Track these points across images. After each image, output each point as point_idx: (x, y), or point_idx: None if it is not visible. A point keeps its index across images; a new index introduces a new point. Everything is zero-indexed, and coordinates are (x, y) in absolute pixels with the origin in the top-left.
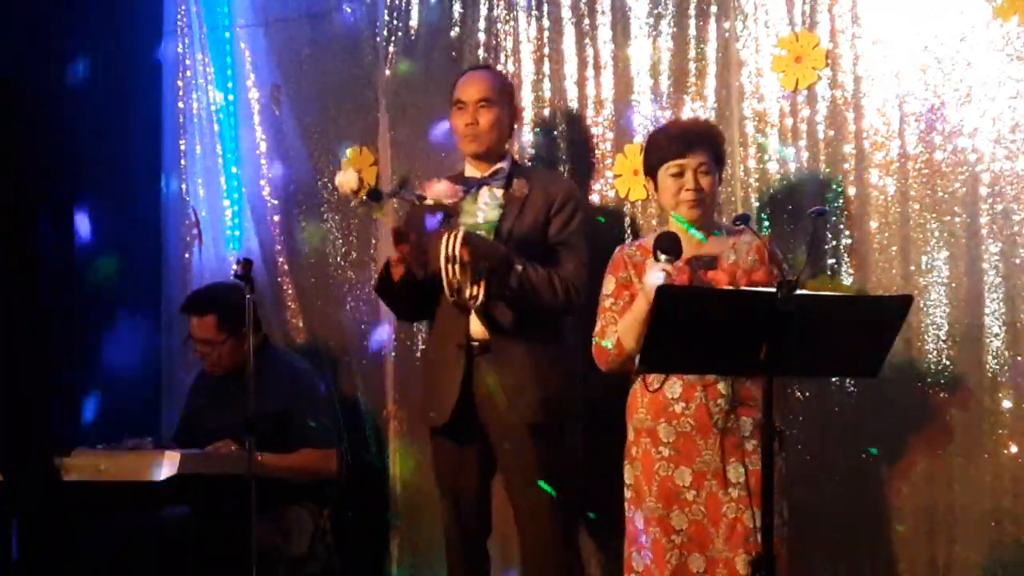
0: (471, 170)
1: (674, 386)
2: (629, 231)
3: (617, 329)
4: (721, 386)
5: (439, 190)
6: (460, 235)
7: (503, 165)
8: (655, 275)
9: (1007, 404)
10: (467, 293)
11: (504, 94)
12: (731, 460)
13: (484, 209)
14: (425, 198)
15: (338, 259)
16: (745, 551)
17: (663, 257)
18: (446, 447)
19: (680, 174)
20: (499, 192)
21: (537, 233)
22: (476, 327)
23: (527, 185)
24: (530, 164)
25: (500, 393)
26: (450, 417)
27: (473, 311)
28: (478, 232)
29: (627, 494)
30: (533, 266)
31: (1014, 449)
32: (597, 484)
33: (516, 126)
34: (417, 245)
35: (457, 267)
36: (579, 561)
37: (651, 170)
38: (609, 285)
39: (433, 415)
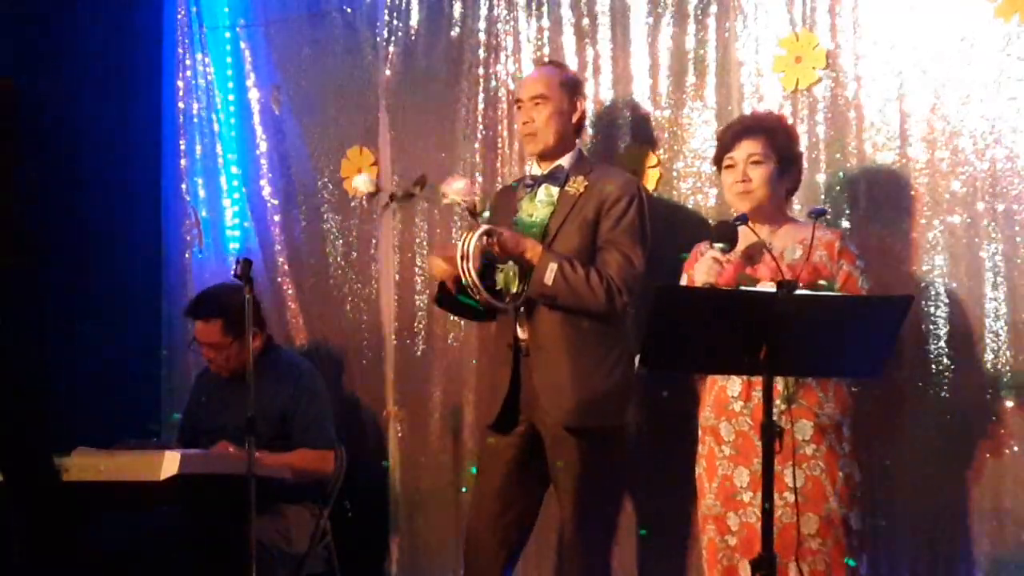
0: (535, 168)
1: (734, 383)
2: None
3: None
4: (779, 385)
5: (457, 188)
6: (476, 233)
7: (563, 163)
8: (704, 263)
9: (1007, 404)
10: (482, 293)
11: (563, 88)
12: (787, 463)
13: (538, 207)
14: (444, 196)
15: (338, 259)
16: (801, 558)
17: (717, 246)
18: (488, 442)
19: (732, 167)
20: (555, 190)
21: (586, 231)
22: (521, 327)
23: (584, 183)
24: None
25: (538, 396)
26: (497, 417)
27: (510, 311)
28: (530, 232)
29: (697, 492)
30: (572, 264)
31: (1014, 449)
32: (661, 495)
33: (582, 119)
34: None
35: (469, 267)
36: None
37: (718, 166)
38: (682, 281)
39: (480, 413)
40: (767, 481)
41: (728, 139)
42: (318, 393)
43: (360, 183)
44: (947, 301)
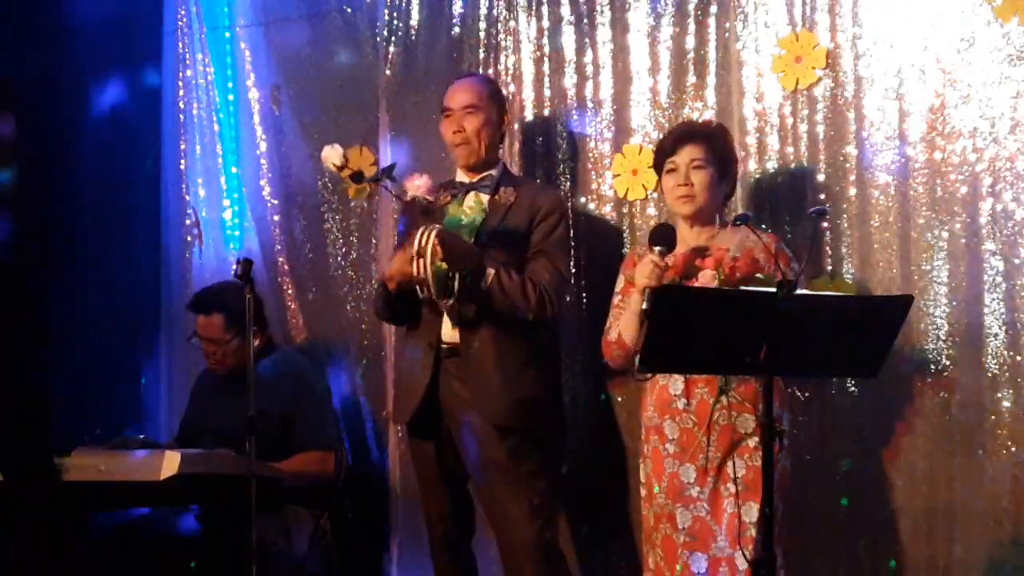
0: (461, 176)
1: (676, 382)
2: (628, 231)
3: (619, 324)
4: (719, 383)
5: (419, 185)
6: (434, 231)
7: (492, 172)
8: (643, 266)
9: (1007, 404)
10: (436, 291)
11: (492, 100)
12: (732, 457)
13: (468, 212)
14: (405, 191)
15: (338, 259)
16: (742, 546)
17: (656, 249)
18: (423, 448)
19: (674, 171)
20: (485, 197)
21: (518, 240)
22: (447, 329)
23: (514, 193)
24: (520, 174)
25: (465, 396)
26: (411, 417)
27: (445, 311)
28: (458, 234)
29: (642, 492)
30: (508, 271)
31: (1014, 449)
32: (612, 486)
33: (506, 133)
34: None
35: (426, 263)
36: (564, 564)
37: (657, 171)
38: (619, 283)
39: (395, 412)
40: (767, 482)
41: (669, 144)
42: (320, 393)
43: (329, 153)
44: (947, 301)
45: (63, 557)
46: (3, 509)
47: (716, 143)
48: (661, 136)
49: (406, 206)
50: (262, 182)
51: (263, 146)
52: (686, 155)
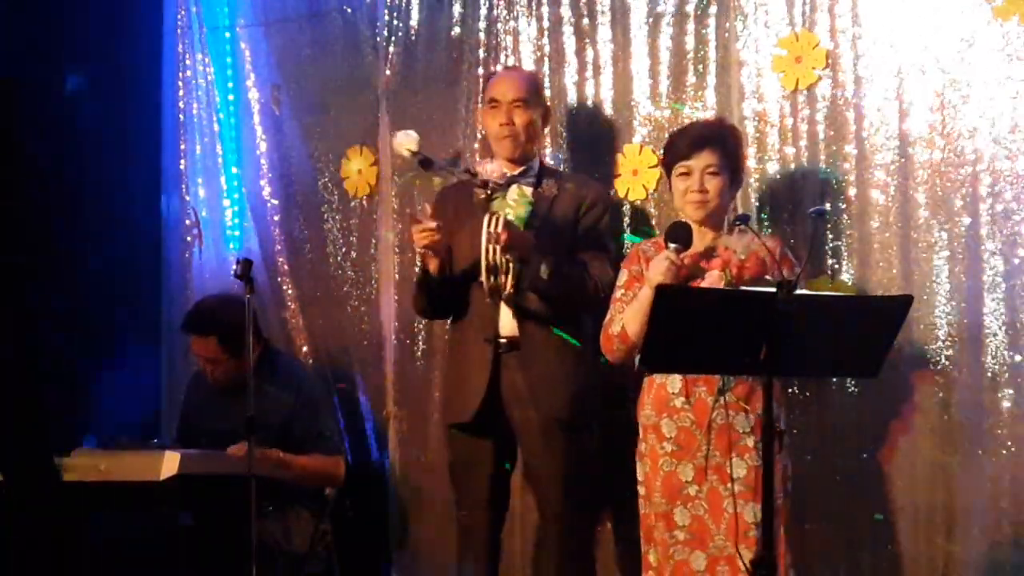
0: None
1: (674, 381)
2: (628, 231)
3: (623, 317)
4: (718, 382)
5: (490, 169)
6: (500, 219)
7: (533, 165)
8: (659, 261)
9: (1007, 404)
10: (503, 278)
11: (539, 95)
12: (731, 456)
13: (513, 205)
14: (476, 174)
15: (338, 259)
16: (746, 546)
17: (671, 246)
18: (462, 441)
19: (687, 175)
20: (529, 190)
21: (564, 232)
22: (506, 323)
23: (556, 185)
24: (557, 169)
25: (528, 390)
26: (474, 415)
27: (504, 303)
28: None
29: (640, 491)
30: (565, 262)
31: (1014, 449)
32: (616, 484)
33: (547, 128)
34: (444, 229)
35: (498, 248)
36: (592, 560)
37: (666, 169)
38: (622, 277)
39: (450, 412)
40: (767, 481)
41: (684, 147)
42: (320, 403)
43: (403, 139)
44: (947, 301)
45: (63, 557)
46: (3, 509)
47: (729, 147)
48: (669, 134)
49: (448, 194)
50: (262, 182)
51: (263, 146)
52: (701, 161)
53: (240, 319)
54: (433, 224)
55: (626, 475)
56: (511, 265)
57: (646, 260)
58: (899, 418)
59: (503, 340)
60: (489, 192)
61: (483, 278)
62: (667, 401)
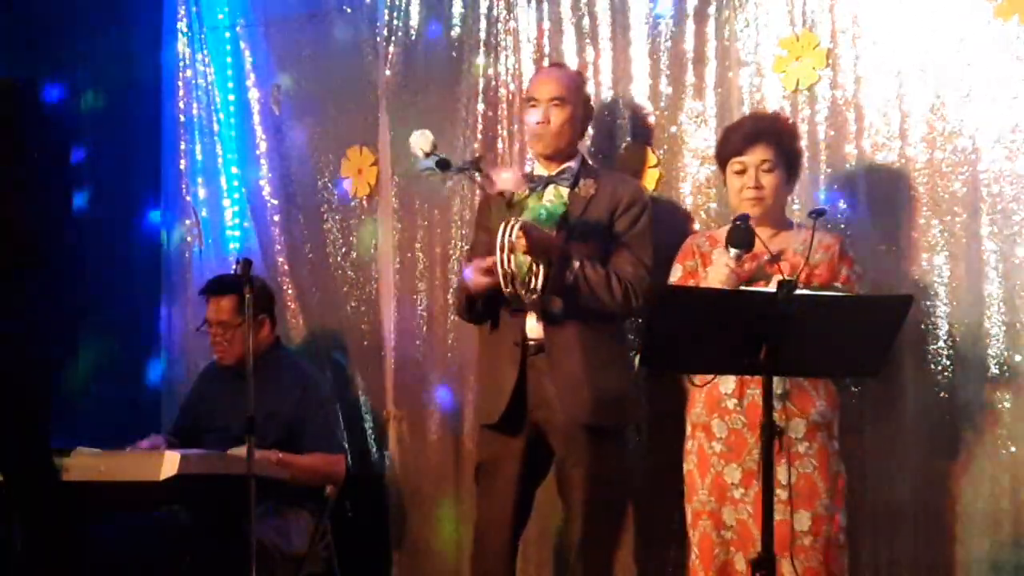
0: (539, 168)
1: (728, 382)
2: None
3: None
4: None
5: (507, 179)
6: (518, 224)
7: (571, 164)
8: (719, 268)
9: (1007, 404)
10: (520, 285)
11: (579, 94)
12: (780, 461)
13: (548, 206)
14: (492, 182)
15: (338, 259)
16: (791, 554)
17: (732, 251)
18: (491, 439)
19: (743, 171)
20: (565, 191)
21: (599, 233)
22: (532, 326)
23: (594, 185)
24: (598, 167)
25: (553, 393)
26: (500, 417)
27: (530, 307)
28: (540, 227)
29: (685, 488)
30: (592, 264)
31: (1014, 449)
32: (655, 485)
33: (589, 126)
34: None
35: (513, 257)
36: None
37: (720, 165)
38: (676, 273)
39: (481, 413)
40: (767, 481)
41: (739, 142)
42: (325, 401)
43: (418, 139)
44: (947, 301)
45: (63, 557)
46: (3, 509)
47: (784, 141)
48: (724, 129)
49: (490, 199)
50: (262, 182)
51: (263, 146)
52: (756, 156)
53: (261, 286)
54: (488, 264)
55: (662, 476)
56: (537, 267)
57: (701, 255)
58: (899, 418)
59: (531, 343)
60: (508, 201)
61: (501, 286)
62: (719, 401)
